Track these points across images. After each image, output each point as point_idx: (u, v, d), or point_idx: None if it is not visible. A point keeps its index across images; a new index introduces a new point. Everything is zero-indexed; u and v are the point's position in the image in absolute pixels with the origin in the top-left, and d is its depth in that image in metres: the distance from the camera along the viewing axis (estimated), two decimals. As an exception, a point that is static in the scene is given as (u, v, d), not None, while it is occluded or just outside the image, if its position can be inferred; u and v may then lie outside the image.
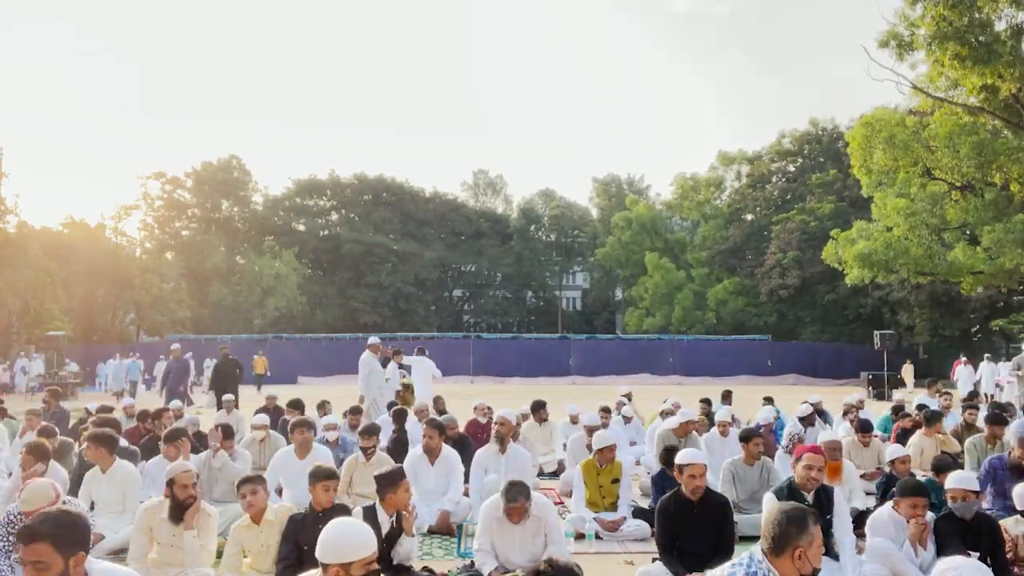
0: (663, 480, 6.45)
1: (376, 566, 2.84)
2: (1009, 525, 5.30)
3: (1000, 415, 7.66)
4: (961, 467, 5.03)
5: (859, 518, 5.39)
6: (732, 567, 2.77)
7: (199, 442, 7.78)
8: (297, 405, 9.67)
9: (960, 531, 4.74)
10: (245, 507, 4.73)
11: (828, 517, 4.81)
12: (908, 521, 4.73)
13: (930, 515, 5.00)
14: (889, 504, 4.97)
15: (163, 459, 6.42)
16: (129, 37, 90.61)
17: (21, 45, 79.88)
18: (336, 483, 4.87)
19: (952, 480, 4.88)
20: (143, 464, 6.77)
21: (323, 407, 10.92)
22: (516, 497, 4.61)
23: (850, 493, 6.15)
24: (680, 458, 4.90)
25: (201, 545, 4.64)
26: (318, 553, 2.79)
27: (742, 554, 2.81)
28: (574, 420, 10.21)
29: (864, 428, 7.99)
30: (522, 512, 4.64)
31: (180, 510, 4.61)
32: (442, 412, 10.51)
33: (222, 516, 5.90)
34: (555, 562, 2.64)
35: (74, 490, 5.83)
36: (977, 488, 4.88)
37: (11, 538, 4.29)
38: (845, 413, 9.69)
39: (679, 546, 4.68)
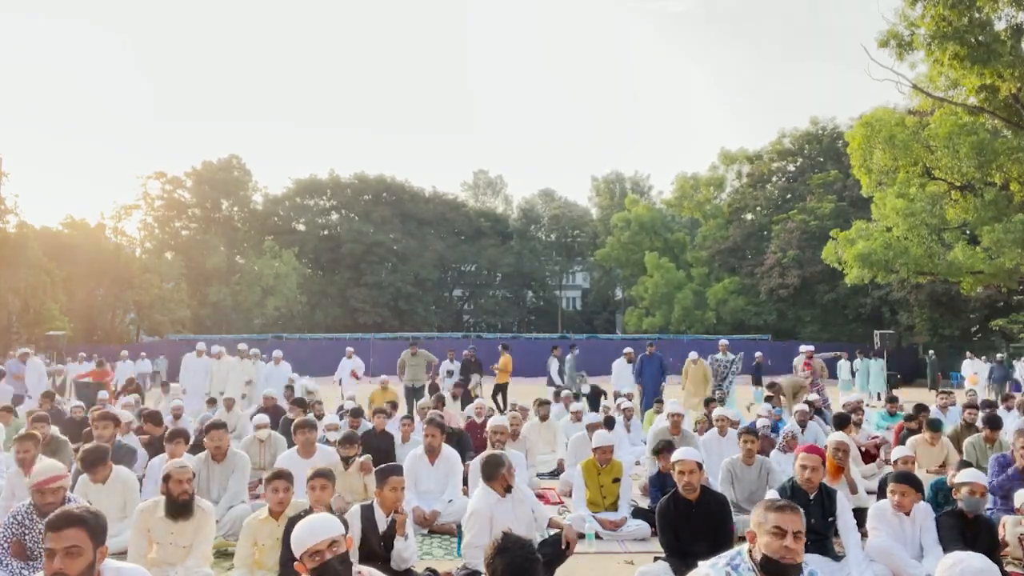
0: (659, 480, 6.48)
1: (345, 548, 2.86)
2: (1009, 523, 5.32)
3: (997, 418, 7.68)
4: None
5: (859, 516, 5.41)
6: (719, 558, 2.87)
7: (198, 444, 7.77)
8: (300, 403, 9.69)
9: (961, 528, 4.78)
10: (274, 502, 4.73)
11: (831, 519, 4.84)
12: (908, 513, 4.85)
13: (925, 504, 5.05)
14: (887, 499, 5.04)
15: (165, 458, 6.43)
16: (129, 38, 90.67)
17: (21, 45, 79.89)
18: (331, 482, 4.86)
19: (964, 475, 4.95)
20: (151, 463, 6.77)
21: (315, 407, 10.92)
22: (501, 459, 4.90)
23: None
24: (673, 456, 4.96)
25: (200, 540, 4.66)
26: (293, 549, 2.83)
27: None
28: (576, 418, 10.23)
29: (842, 421, 8.05)
30: (506, 469, 4.85)
31: (175, 507, 4.63)
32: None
33: (229, 516, 5.92)
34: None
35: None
36: (986, 484, 4.95)
37: (14, 538, 4.30)
38: (853, 412, 9.66)
39: (681, 548, 4.69)
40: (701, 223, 46.06)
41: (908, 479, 4.93)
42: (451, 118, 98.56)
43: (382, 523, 4.66)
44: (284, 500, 4.73)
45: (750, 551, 2.78)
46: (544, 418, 9.83)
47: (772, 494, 4.94)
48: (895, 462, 6.48)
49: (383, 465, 4.95)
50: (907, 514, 4.89)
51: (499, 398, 15.98)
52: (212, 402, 12.39)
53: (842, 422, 8.05)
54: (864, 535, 5.12)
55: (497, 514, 4.81)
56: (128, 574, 2.90)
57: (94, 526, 2.74)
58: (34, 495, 4.29)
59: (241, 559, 4.73)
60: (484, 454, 5.18)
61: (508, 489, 4.85)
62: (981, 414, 8.26)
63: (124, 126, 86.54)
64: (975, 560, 2.60)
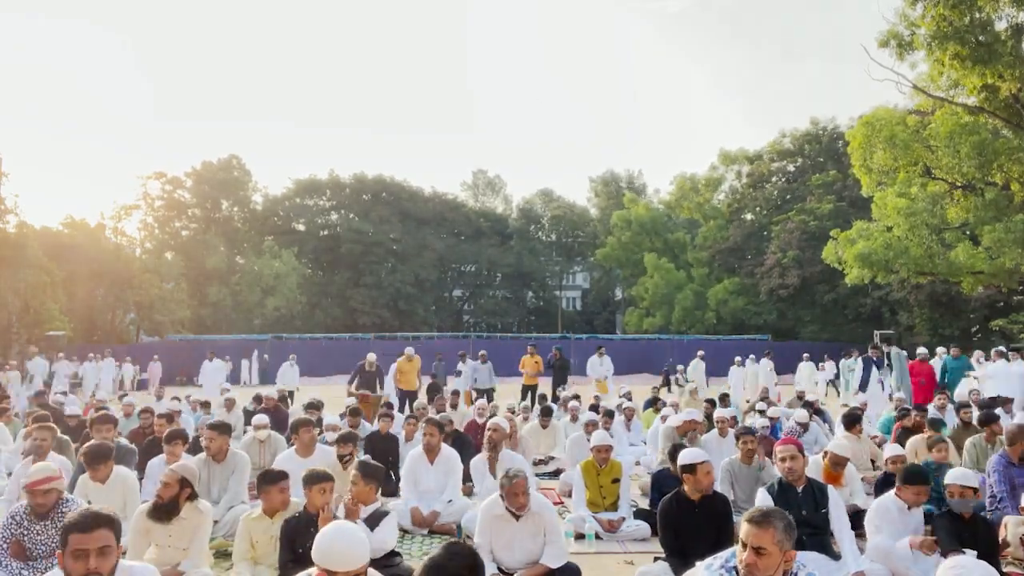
0: (664, 479, 6.46)
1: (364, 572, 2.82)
2: (1011, 524, 5.30)
3: (992, 413, 7.68)
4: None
5: (859, 517, 5.39)
6: (714, 559, 2.90)
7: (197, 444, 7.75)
8: (316, 406, 9.64)
9: (958, 529, 4.76)
10: (279, 503, 4.76)
11: (824, 511, 4.84)
12: (909, 508, 4.80)
13: (928, 506, 5.02)
14: (890, 492, 4.98)
15: (164, 459, 6.42)
16: (129, 37, 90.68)
17: (21, 45, 79.90)
18: (332, 485, 4.81)
19: (951, 476, 4.91)
20: (150, 463, 6.76)
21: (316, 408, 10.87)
22: (517, 474, 4.63)
23: (850, 494, 6.15)
24: (689, 458, 4.82)
25: (197, 541, 4.67)
26: (315, 556, 2.77)
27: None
28: (574, 418, 10.22)
29: (852, 421, 7.97)
30: (523, 491, 4.60)
31: (154, 508, 4.64)
32: (441, 411, 10.53)
33: (229, 516, 5.91)
34: None
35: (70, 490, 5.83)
36: (975, 485, 4.90)
37: (13, 538, 4.30)
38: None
39: (681, 547, 4.67)
40: (701, 223, 46.08)
41: (923, 478, 4.87)
42: (451, 118, 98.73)
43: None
44: (285, 501, 4.75)
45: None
46: (545, 426, 9.82)
47: (762, 493, 4.95)
48: (887, 461, 6.48)
49: (268, 470, 4.98)
50: (908, 508, 4.87)
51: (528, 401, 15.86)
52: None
53: (852, 421, 7.97)
54: (861, 535, 5.11)
55: (496, 531, 4.73)
56: (140, 572, 2.94)
57: (118, 526, 2.87)
58: (27, 495, 4.29)
59: (239, 554, 4.75)
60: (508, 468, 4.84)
61: (517, 499, 4.62)
62: (976, 413, 8.27)
63: (124, 126, 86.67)
64: (977, 566, 2.60)
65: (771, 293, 38.75)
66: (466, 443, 8.27)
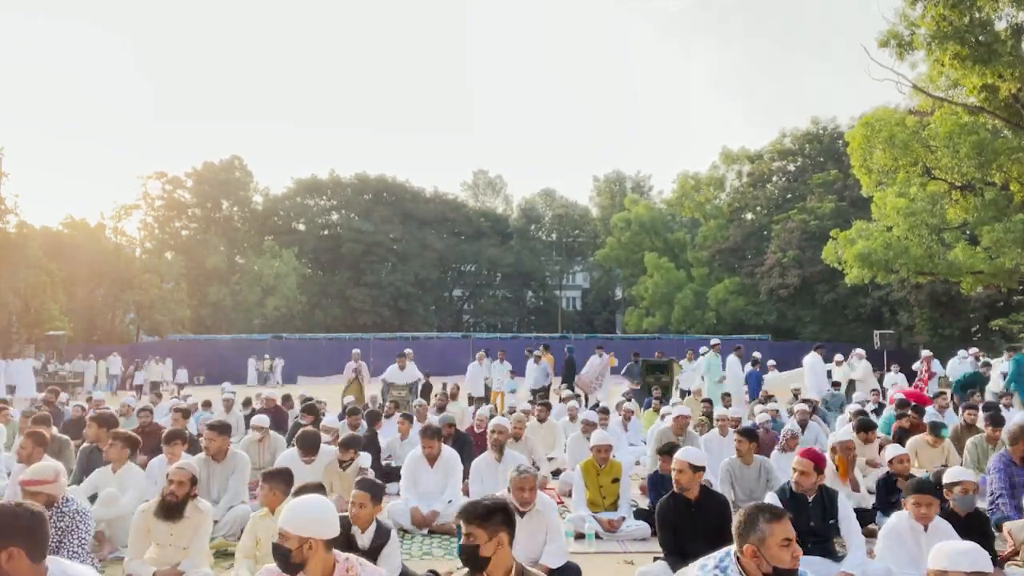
0: (658, 480, 6.46)
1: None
2: (1014, 529, 5.28)
3: (1000, 416, 7.66)
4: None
5: (860, 516, 5.39)
6: (707, 559, 2.86)
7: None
8: (311, 411, 9.61)
9: (956, 527, 4.75)
10: (264, 500, 4.76)
11: (832, 522, 4.80)
12: (926, 529, 4.53)
13: (939, 519, 4.98)
14: (902, 513, 4.71)
15: (164, 459, 6.43)
16: (129, 38, 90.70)
17: (21, 45, 79.88)
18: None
19: (951, 475, 4.90)
20: (151, 463, 6.77)
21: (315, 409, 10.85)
22: (528, 470, 4.66)
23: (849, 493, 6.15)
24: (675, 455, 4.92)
25: (198, 540, 4.67)
26: (282, 520, 2.81)
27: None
28: (572, 417, 10.23)
29: (865, 427, 7.80)
30: (531, 487, 4.60)
31: (163, 507, 4.63)
32: (442, 409, 10.55)
33: (229, 516, 5.92)
34: None
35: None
36: (975, 480, 4.90)
37: None
38: (856, 415, 9.59)
39: (680, 546, 4.67)
40: (701, 223, 46.06)
41: (930, 489, 4.63)
42: (451, 118, 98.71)
43: (359, 536, 4.39)
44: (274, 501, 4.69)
45: (739, 558, 2.75)
46: (542, 420, 9.81)
47: (771, 496, 4.93)
48: (890, 461, 6.46)
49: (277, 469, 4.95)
50: (925, 529, 4.55)
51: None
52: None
53: (864, 427, 7.72)
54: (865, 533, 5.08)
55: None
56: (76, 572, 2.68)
57: None
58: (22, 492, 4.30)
59: (243, 551, 4.75)
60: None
61: (524, 493, 4.60)
62: (983, 413, 8.24)
63: (124, 126, 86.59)
64: (970, 548, 2.63)
65: (771, 293, 38.75)
66: (466, 443, 8.27)
